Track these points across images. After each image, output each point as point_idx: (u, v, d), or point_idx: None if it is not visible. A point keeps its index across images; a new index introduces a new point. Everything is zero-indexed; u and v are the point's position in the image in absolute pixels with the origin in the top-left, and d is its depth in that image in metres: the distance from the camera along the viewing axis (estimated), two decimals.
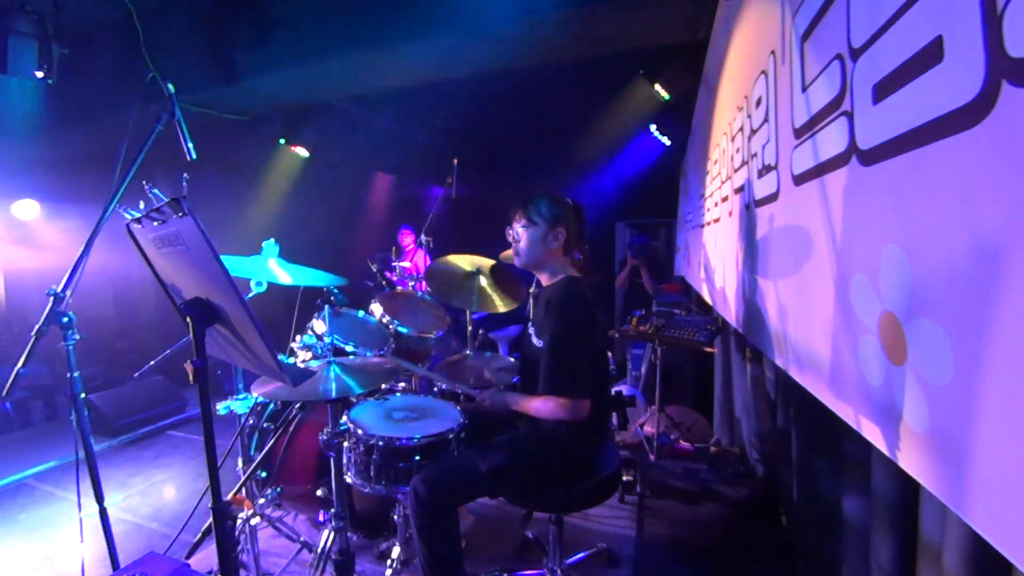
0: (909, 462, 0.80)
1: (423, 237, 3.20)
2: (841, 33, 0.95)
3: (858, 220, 0.95)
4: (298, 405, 2.15)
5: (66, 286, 1.51)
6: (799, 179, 1.26)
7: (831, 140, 1.04)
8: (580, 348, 1.57)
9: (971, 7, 0.59)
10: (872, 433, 0.93)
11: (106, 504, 1.62)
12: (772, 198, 1.55)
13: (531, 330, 1.75)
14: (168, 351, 2.01)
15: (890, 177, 0.81)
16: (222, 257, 0.95)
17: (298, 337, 2.27)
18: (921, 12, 0.70)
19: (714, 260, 2.91)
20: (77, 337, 1.57)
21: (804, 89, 1.19)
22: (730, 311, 2.37)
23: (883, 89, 0.80)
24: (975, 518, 0.64)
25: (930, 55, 0.67)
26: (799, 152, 1.25)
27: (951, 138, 0.64)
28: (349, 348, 2.14)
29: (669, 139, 4.62)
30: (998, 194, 0.58)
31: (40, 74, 2.71)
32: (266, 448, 2.02)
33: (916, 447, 0.78)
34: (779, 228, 1.51)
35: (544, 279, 1.77)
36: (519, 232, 1.71)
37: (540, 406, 1.59)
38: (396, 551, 1.98)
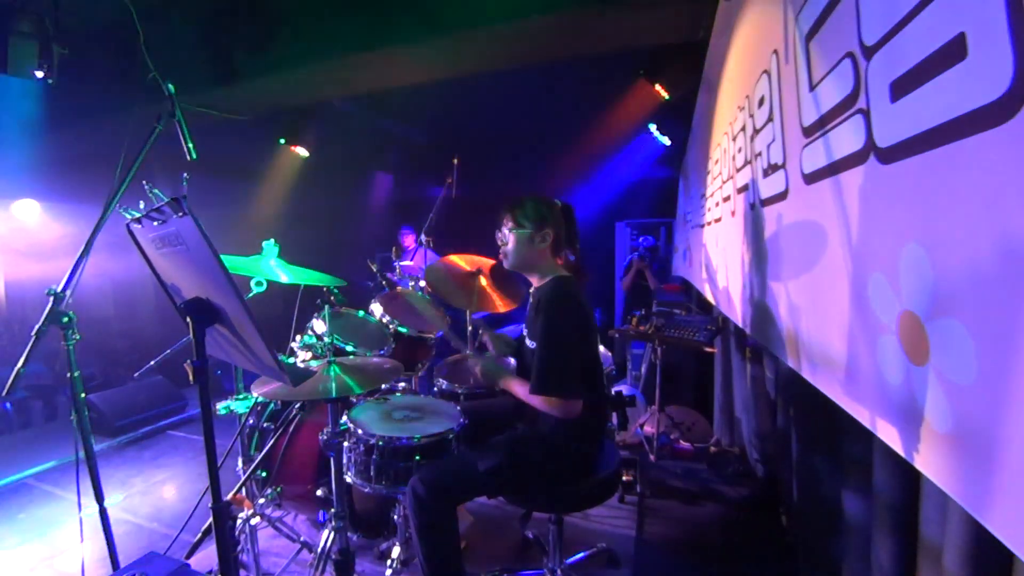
0: (927, 464, 0.79)
1: (423, 237, 3.20)
2: (851, 32, 0.94)
3: (876, 219, 0.93)
4: (298, 405, 2.15)
5: (66, 286, 1.51)
6: (810, 178, 1.24)
7: (846, 138, 1.01)
8: (570, 348, 1.57)
9: (996, 2, 0.57)
10: (888, 434, 0.91)
11: (106, 504, 1.62)
12: (780, 197, 1.52)
13: (525, 332, 1.75)
14: (168, 351, 2.01)
15: (911, 175, 0.79)
16: (222, 257, 0.95)
17: (298, 337, 2.27)
18: (939, 9, 0.68)
19: (716, 259, 2.91)
20: (77, 337, 1.57)
21: (812, 88, 1.18)
22: (735, 311, 2.35)
23: (901, 87, 0.78)
24: (996, 523, 0.62)
25: (952, 52, 0.65)
26: (809, 151, 1.23)
27: (977, 136, 0.62)
28: (349, 348, 2.14)
29: (669, 139, 4.61)
30: None
31: (40, 74, 2.71)
32: (266, 448, 2.02)
33: (936, 448, 0.76)
34: (789, 227, 1.48)
35: (534, 281, 1.76)
36: (507, 235, 1.71)
37: (531, 399, 1.58)
38: (396, 551, 1.98)
